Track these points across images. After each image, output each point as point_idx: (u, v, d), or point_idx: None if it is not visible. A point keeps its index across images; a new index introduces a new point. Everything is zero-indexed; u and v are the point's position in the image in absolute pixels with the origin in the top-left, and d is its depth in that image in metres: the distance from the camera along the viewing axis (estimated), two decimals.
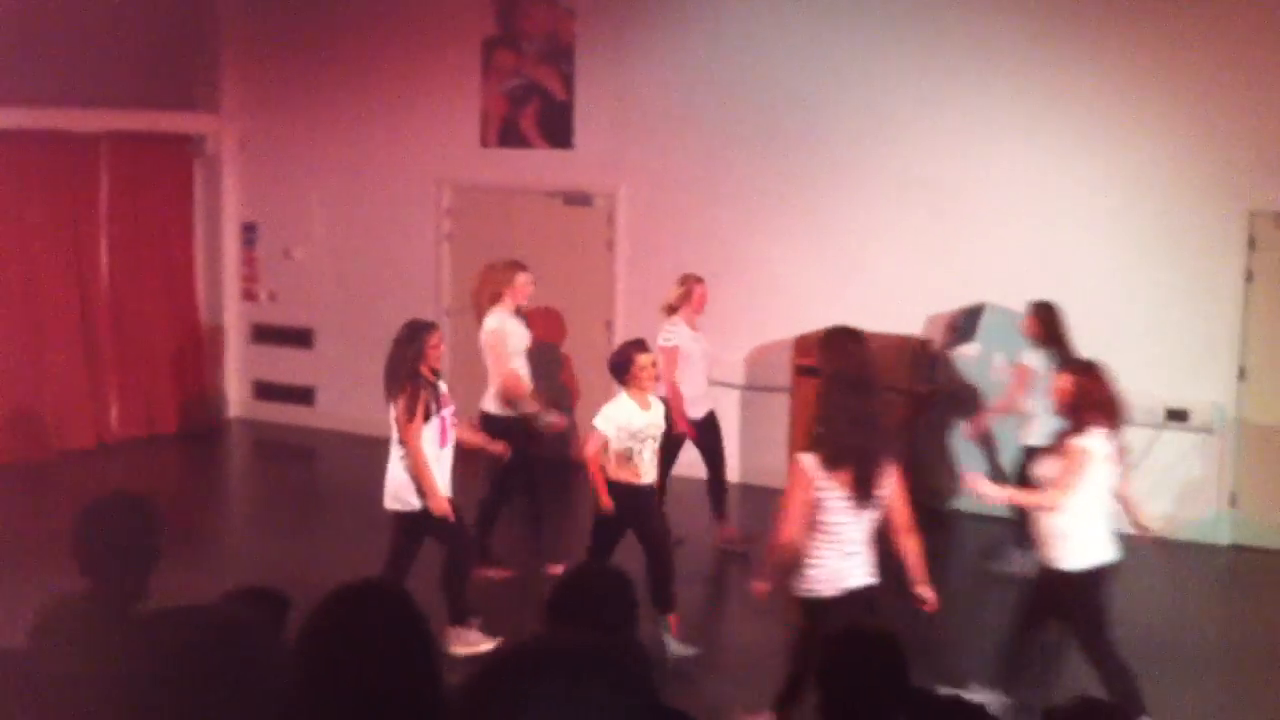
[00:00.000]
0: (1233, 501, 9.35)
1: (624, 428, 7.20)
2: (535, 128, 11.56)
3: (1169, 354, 9.46)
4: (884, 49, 10.17)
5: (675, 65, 10.92)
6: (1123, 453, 6.26)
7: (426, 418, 7.01)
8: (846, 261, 10.38)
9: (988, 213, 9.90)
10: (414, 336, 7.13)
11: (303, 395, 12.72)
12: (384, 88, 12.07)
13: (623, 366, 7.30)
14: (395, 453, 7.14)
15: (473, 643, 7.08)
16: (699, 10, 10.78)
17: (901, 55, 10.11)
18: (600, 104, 11.26)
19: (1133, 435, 9.29)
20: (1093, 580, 6.18)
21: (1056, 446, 6.28)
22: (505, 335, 8.60)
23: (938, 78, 10.00)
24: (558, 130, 11.46)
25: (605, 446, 7.24)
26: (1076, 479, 6.02)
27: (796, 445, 9.84)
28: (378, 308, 12.15)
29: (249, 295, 12.92)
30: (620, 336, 11.21)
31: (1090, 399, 6.14)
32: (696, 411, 9.14)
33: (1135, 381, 9.38)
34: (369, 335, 12.31)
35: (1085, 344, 9.57)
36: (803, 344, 9.91)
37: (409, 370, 7.04)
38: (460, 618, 7.17)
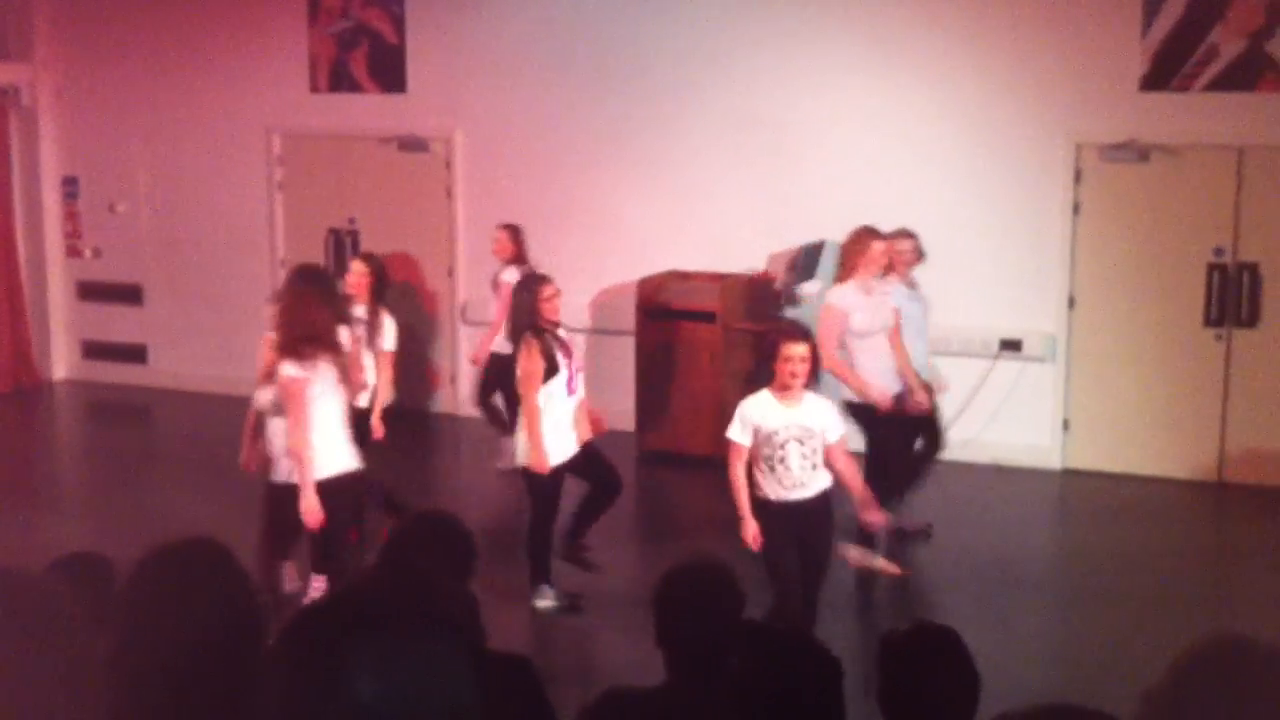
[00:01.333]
0: (1065, 427, 9.62)
1: (759, 428, 6.01)
2: (366, 71, 11.28)
3: (1002, 285, 9.66)
4: None
5: (509, 4, 10.73)
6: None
7: (552, 370, 6.93)
8: (687, 201, 10.36)
9: (824, 149, 9.96)
10: (526, 288, 7.11)
11: (134, 354, 12.30)
12: (207, 32, 11.65)
13: (766, 355, 6.18)
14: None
15: (549, 599, 7.08)
16: None
17: None
18: (433, 46, 11.02)
19: (970, 365, 9.61)
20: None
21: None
22: (846, 313, 7.54)
23: (772, 14, 9.99)
24: (390, 74, 11.20)
25: (744, 456, 6.06)
26: None
27: (642, 387, 9.89)
28: (209, 262, 11.81)
29: (73, 252, 12.42)
30: (462, 284, 11.10)
31: None
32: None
33: (970, 313, 9.65)
34: (201, 290, 12.00)
35: (922, 276, 9.75)
36: (646, 286, 9.90)
37: (526, 323, 6.99)
38: (541, 577, 7.09)
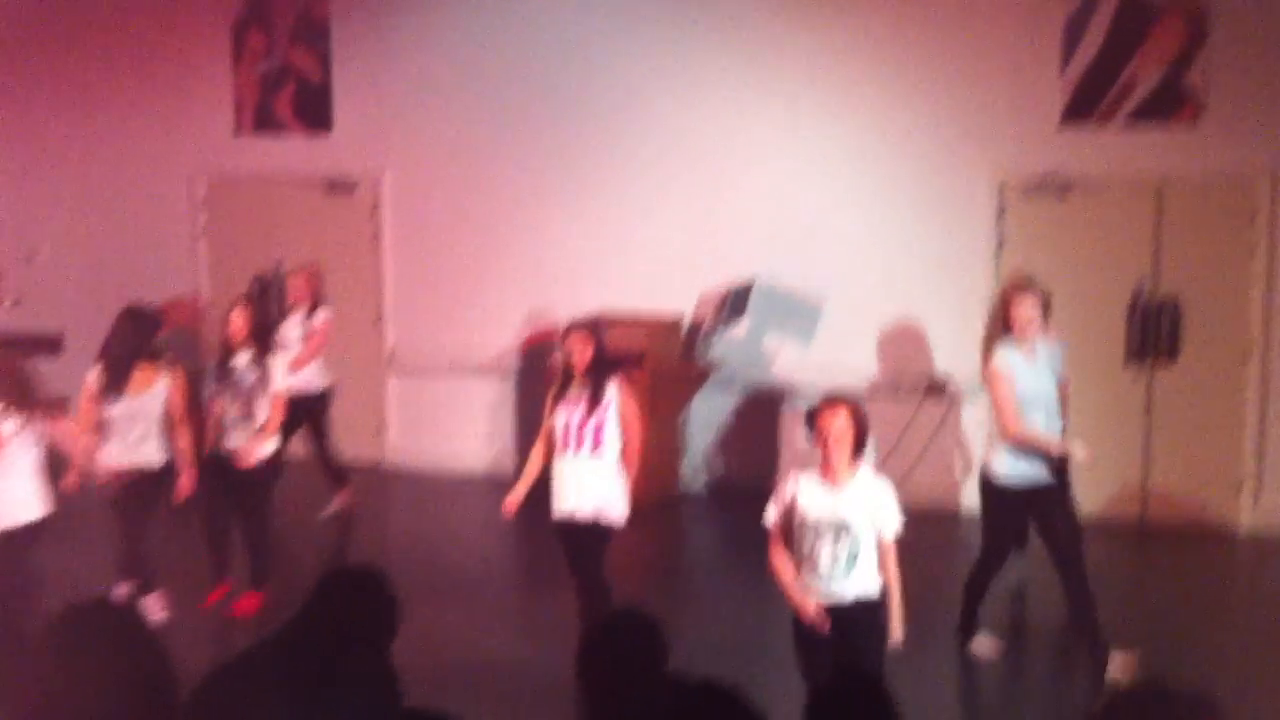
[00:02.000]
0: None
1: (791, 510, 5.24)
2: (292, 112, 11.18)
3: (928, 323, 9.69)
4: (645, 25, 10.11)
5: (436, 44, 10.67)
6: None
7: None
8: (617, 243, 10.34)
9: (750, 188, 9.97)
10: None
11: (54, 405, 12.08)
12: (130, 74, 11.51)
13: (808, 422, 5.39)
14: None
15: None
16: None
17: (662, 32, 10.07)
18: (360, 85, 10.95)
19: (896, 405, 9.63)
20: None
21: None
22: (1009, 377, 6.69)
23: (700, 56, 10.00)
24: (316, 114, 11.11)
25: (779, 539, 5.34)
26: None
27: None
28: None
29: None
30: (392, 329, 11.02)
31: None
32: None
33: (897, 351, 9.68)
34: None
35: (847, 315, 9.78)
36: None
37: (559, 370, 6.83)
38: None
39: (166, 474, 7.33)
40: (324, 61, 11.02)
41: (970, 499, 9.51)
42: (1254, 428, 9.04)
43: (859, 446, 5.12)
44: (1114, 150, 9.19)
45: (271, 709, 2.33)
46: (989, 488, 6.73)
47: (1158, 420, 9.26)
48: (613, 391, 6.64)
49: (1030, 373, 6.64)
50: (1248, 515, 9.09)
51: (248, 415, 7.46)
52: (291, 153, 11.16)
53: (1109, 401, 9.05)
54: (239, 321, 7.52)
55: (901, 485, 9.48)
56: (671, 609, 7.06)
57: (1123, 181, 9.20)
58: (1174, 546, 8.92)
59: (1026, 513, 6.78)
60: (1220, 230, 9.07)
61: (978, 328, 9.50)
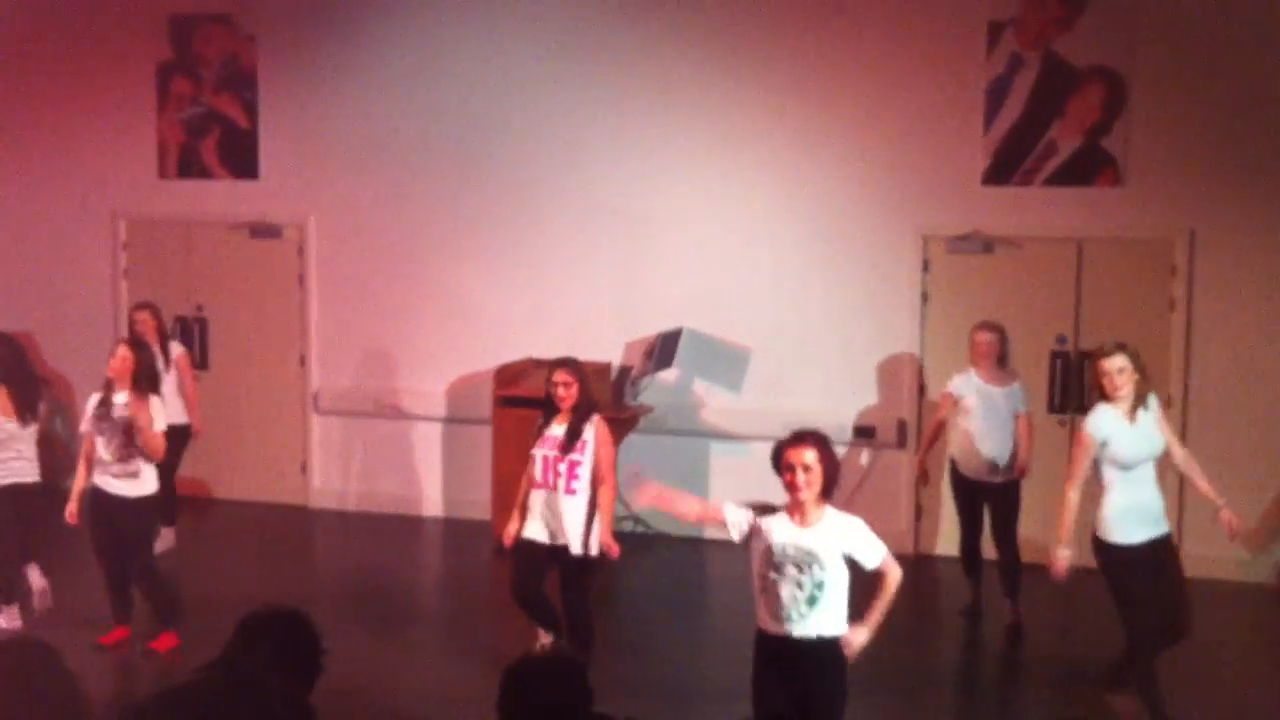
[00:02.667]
0: (918, 514, 9.76)
1: (758, 534, 5.14)
2: (217, 158, 11.10)
3: (855, 374, 9.81)
4: (574, 82, 10.22)
5: (363, 92, 10.68)
6: None
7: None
8: (544, 291, 10.36)
9: (677, 240, 10.07)
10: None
11: None
12: (52, 116, 11.37)
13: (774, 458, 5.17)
14: None
15: None
16: (387, 35, 10.58)
17: (590, 89, 10.19)
18: (286, 132, 10.91)
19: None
20: None
21: None
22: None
23: (626, 112, 10.12)
24: (241, 160, 11.04)
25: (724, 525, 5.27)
26: None
27: (497, 475, 9.77)
28: (52, 349, 11.41)
29: None
30: (316, 372, 10.91)
31: None
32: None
33: (825, 400, 9.78)
34: (45, 379, 11.55)
35: (776, 365, 9.89)
36: (503, 374, 9.84)
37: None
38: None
39: (36, 493, 7.72)
40: (250, 109, 10.99)
41: (903, 542, 9.59)
42: (1174, 477, 9.22)
43: (828, 484, 5.04)
44: (1036, 209, 9.43)
45: None
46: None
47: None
48: (590, 431, 6.86)
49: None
50: None
51: (125, 456, 7.35)
52: (215, 197, 11.07)
53: (1035, 451, 9.18)
54: (121, 360, 7.43)
55: None
56: (603, 649, 7.00)
57: (1045, 238, 9.44)
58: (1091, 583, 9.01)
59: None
60: (1141, 286, 9.32)
61: (907, 375, 9.67)
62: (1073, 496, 6.39)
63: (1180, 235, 9.18)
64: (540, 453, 6.89)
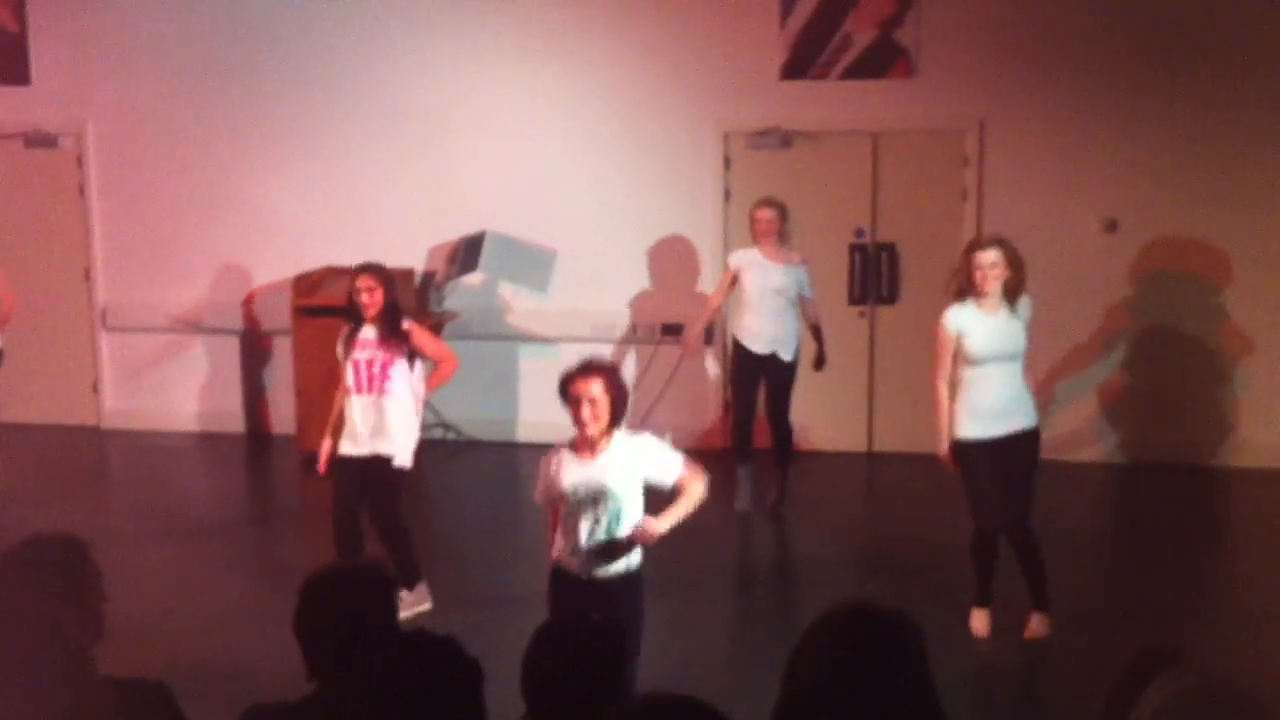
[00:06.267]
0: (726, 409, 9.89)
1: (550, 488, 5.04)
2: None
3: (661, 272, 9.83)
4: None
5: None
6: None
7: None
8: (343, 196, 10.08)
9: (476, 139, 9.89)
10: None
11: None
12: None
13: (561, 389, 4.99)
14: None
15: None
16: None
17: None
18: (58, 35, 10.31)
19: (632, 352, 9.76)
20: None
21: None
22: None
23: (423, 9, 9.84)
24: (11, 65, 10.41)
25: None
26: None
27: (300, 387, 9.54)
28: None
29: None
30: (101, 286, 10.45)
31: None
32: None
33: (633, 300, 9.80)
34: None
35: (582, 266, 9.85)
36: (302, 283, 9.57)
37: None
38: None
39: None
40: (17, 10, 10.35)
41: (714, 438, 9.73)
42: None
43: (616, 415, 4.90)
44: (832, 103, 9.51)
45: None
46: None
47: (880, 358, 9.68)
48: (407, 333, 6.79)
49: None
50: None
51: None
52: None
53: (837, 342, 9.35)
54: None
55: (641, 428, 9.69)
56: (424, 559, 6.95)
57: (841, 132, 9.54)
58: (899, 473, 9.30)
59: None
60: (934, 177, 9.52)
61: (711, 273, 9.72)
62: (942, 389, 6.38)
63: (971, 126, 9.39)
64: (354, 357, 6.75)
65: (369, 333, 6.77)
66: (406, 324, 6.82)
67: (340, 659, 3.24)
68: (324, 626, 3.33)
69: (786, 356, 8.34)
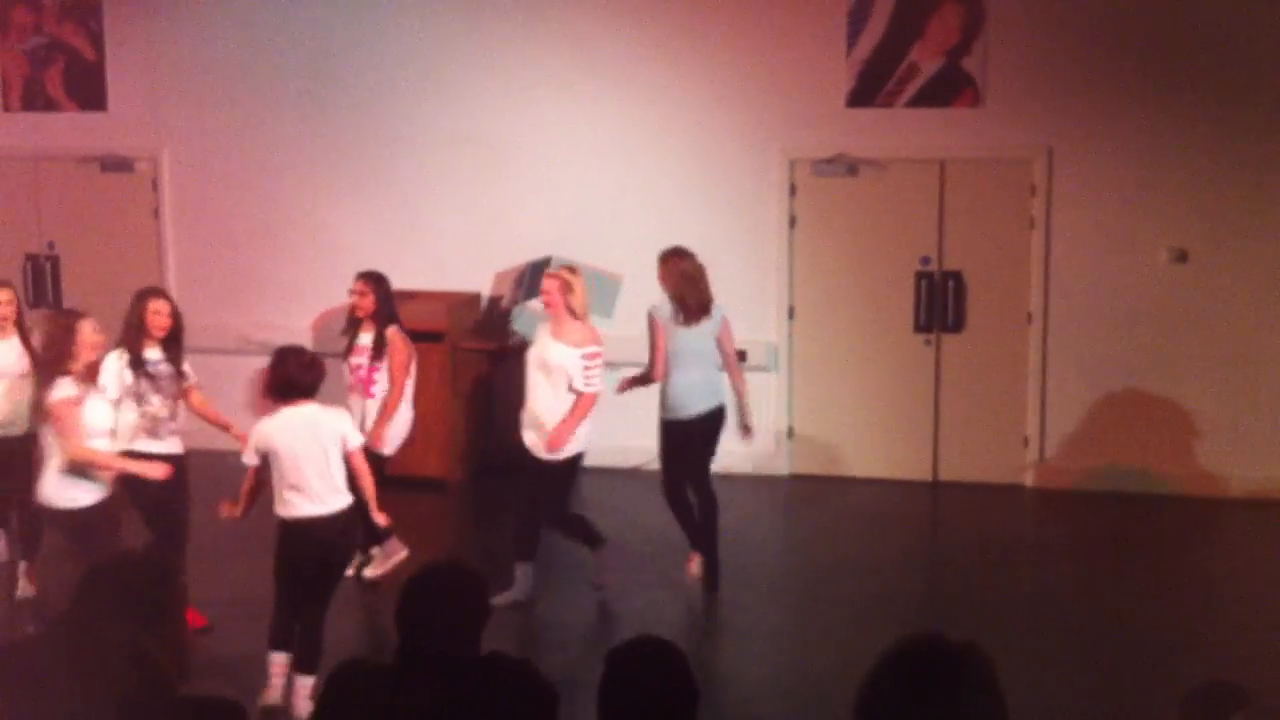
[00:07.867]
0: (789, 434, 9.88)
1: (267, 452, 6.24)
2: (63, 89, 10.69)
3: (727, 299, 9.81)
4: (429, 9, 10.01)
5: (214, 20, 10.35)
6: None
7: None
8: (408, 222, 10.19)
9: (541, 166, 9.97)
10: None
11: None
12: None
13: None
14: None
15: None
16: None
17: (448, 17, 9.99)
18: (134, 63, 10.54)
19: None
20: None
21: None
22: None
23: (485, 32, 9.95)
24: (89, 91, 10.64)
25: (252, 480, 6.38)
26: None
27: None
28: None
29: None
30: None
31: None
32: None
33: None
34: None
35: (647, 292, 9.85)
36: None
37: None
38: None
39: None
40: (96, 39, 10.59)
41: (775, 463, 9.72)
42: (1035, 391, 9.47)
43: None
44: (899, 130, 9.51)
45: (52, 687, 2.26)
46: None
47: (945, 386, 9.63)
48: (387, 339, 7.54)
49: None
50: (1031, 472, 9.55)
51: None
52: (63, 129, 10.68)
53: (902, 370, 9.36)
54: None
55: None
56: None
57: (908, 160, 9.53)
58: (965, 504, 9.26)
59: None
60: (1001, 205, 9.48)
61: (774, 300, 9.72)
62: None
63: (1038, 154, 9.35)
64: (351, 361, 7.57)
65: (365, 339, 7.51)
66: (390, 330, 7.50)
67: (429, 650, 3.41)
68: (420, 617, 3.49)
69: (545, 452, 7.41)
